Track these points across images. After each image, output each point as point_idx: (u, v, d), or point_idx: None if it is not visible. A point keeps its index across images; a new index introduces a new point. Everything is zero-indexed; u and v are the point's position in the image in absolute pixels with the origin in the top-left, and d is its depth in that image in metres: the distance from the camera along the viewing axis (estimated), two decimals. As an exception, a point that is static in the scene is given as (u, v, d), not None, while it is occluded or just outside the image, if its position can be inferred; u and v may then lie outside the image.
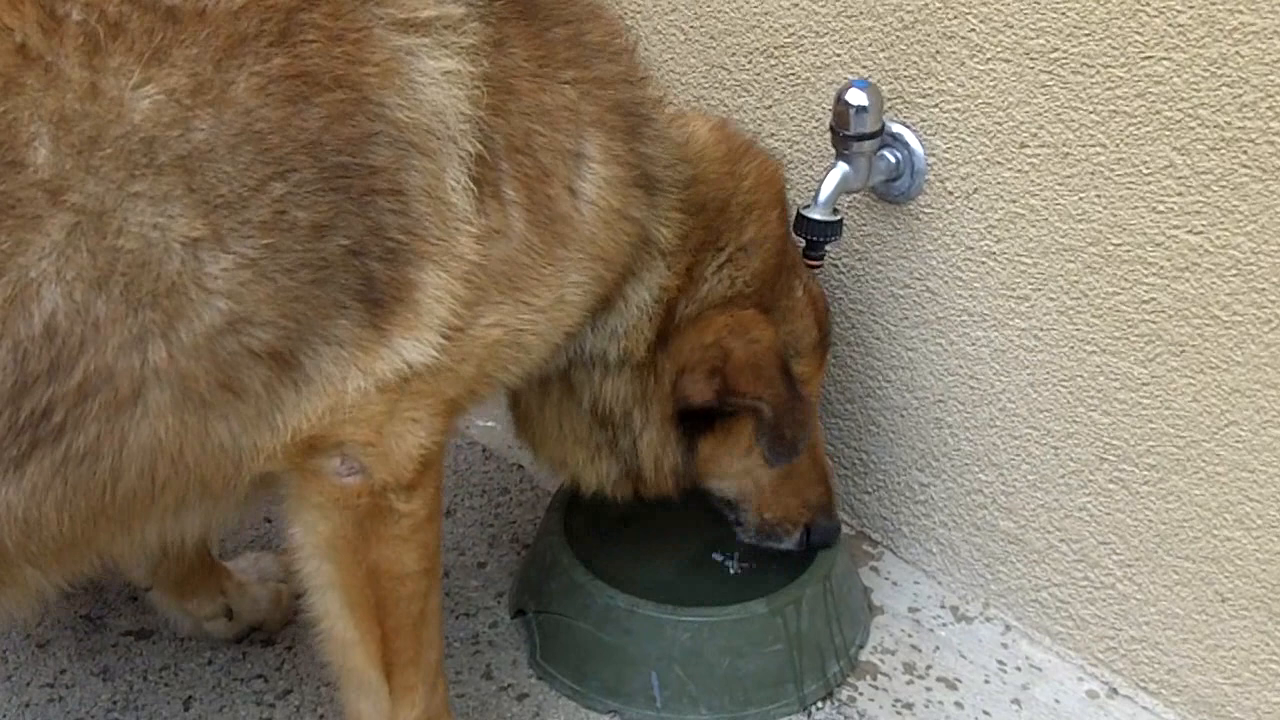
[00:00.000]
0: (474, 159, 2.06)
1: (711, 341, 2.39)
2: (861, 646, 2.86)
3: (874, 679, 2.80)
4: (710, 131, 2.45)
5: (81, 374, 1.87)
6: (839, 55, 2.75)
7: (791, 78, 2.85)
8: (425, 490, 2.17)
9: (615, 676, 2.69)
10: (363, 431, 2.06)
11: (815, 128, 2.83)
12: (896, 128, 2.69)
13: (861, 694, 2.77)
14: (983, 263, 2.68)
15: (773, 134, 2.90)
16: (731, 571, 2.90)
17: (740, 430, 2.53)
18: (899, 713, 2.73)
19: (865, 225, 2.83)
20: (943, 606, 2.97)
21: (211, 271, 1.89)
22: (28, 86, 1.80)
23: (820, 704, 2.74)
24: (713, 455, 2.56)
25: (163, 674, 2.77)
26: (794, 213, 2.63)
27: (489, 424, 3.41)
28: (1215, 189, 2.35)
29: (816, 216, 2.63)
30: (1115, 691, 2.78)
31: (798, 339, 2.52)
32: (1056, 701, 2.76)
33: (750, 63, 2.91)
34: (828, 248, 2.69)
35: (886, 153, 2.70)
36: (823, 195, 2.64)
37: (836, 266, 2.89)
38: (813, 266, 2.66)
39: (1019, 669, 2.83)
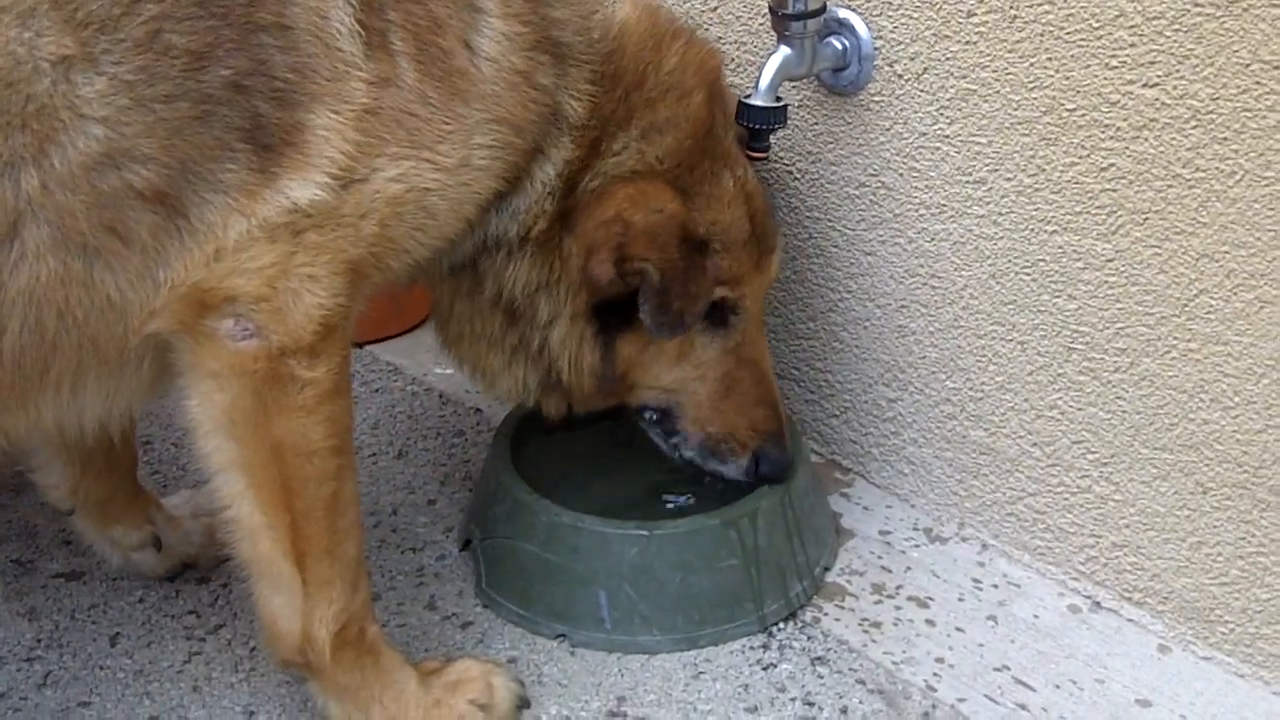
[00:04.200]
0: (359, 1, 1.97)
1: (613, 215, 2.26)
2: (828, 568, 2.70)
3: (841, 600, 2.64)
4: (637, 9, 2.34)
5: None
6: (783, -52, 2.65)
7: (734, -27, 2.75)
8: (329, 358, 2.05)
9: (562, 598, 2.55)
10: (254, 285, 1.95)
11: (761, 25, 2.72)
12: (842, 13, 2.57)
13: (827, 614, 2.60)
14: (937, 148, 2.55)
15: (720, 36, 2.78)
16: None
17: None
18: (866, 631, 2.56)
19: (817, 124, 2.70)
20: (915, 528, 2.81)
21: (85, 94, 1.83)
22: None
23: (782, 624, 2.58)
24: (638, 360, 2.42)
25: (91, 612, 2.64)
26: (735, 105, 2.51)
27: (447, 370, 3.28)
28: (1168, 34, 2.21)
29: (758, 103, 2.50)
30: (1098, 605, 2.60)
31: (724, 230, 2.37)
32: (1035, 617, 2.59)
33: (692, -38, 2.82)
34: (773, 137, 2.56)
35: (833, 40, 2.58)
36: (764, 81, 2.51)
37: (791, 172, 2.77)
38: (758, 159, 2.53)
39: (995, 586, 2.66)
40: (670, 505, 2.74)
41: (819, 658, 2.51)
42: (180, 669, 2.51)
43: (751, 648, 2.53)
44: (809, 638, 2.56)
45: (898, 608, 2.62)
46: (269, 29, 1.91)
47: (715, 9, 2.79)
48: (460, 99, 2.05)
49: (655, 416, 2.55)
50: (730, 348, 2.47)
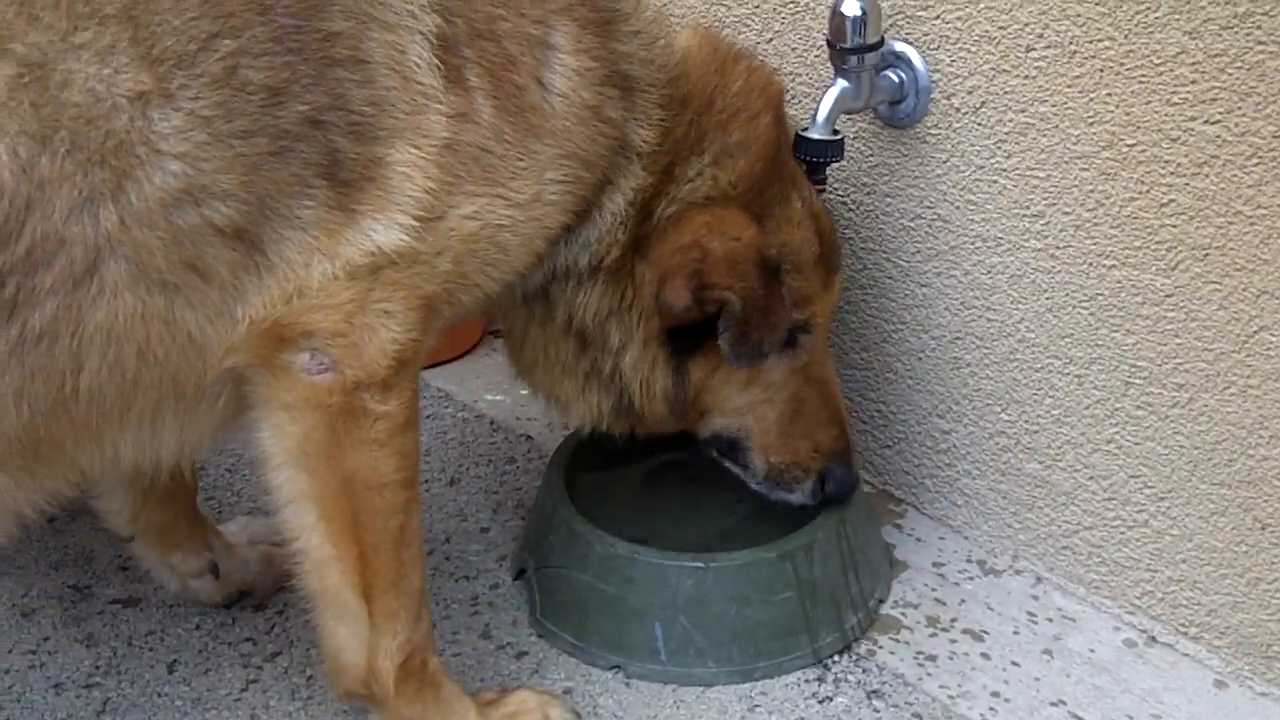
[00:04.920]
0: (436, 37, 1.99)
1: (689, 242, 2.27)
2: (882, 601, 2.70)
3: (895, 632, 2.64)
4: (697, 36, 2.37)
5: (30, 239, 1.82)
6: (839, -21, 2.66)
7: (790, 6, 2.75)
8: (401, 392, 2.07)
9: (617, 629, 2.55)
10: (331, 320, 1.97)
11: (817, 57, 2.73)
12: (899, 46, 2.58)
13: (881, 647, 2.60)
14: (994, 182, 2.55)
15: (777, 68, 2.77)
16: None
17: None
18: (921, 664, 2.56)
19: (872, 156, 2.71)
20: (970, 560, 2.81)
21: (161, 129, 1.84)
22: None
23: (837, 657, 2.58)
24: (707, 383, 2.44)
25: (148, 639, 2.66)
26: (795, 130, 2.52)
27: (498, 397, 3.30)
28: (1230, 72, 2.21)
29: (815, 136, 2.52)
30: (1154, 639, 2.60)
31: (795, 251, 2.39)
32: (1091, 651, 2.58)
33: (749, -6, 2.83)
34: (829, 169, 2.58)
35: (890, 73, 2.59)
36: (821, 114, 2.53)
37: (845, 204, 2.78)
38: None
39: (1050, 620, 2.66)
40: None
41: (874, 691, 2.51)
42: (238, 697, 2.52)
43: (807, 680, 2.54)
44: (864, 670, 2.56)
45: (952, 640, 2.62)
46: (345, 63, 1.92)
47: (771, 40, 2.80)
48: (533, 135, 2.07)
49: (724, 448, 2.56)
50: (799, 367, 2.48)
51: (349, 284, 1.96)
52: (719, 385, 2.45)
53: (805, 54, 2.76)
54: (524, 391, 3.14)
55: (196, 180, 1.86)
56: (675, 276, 2.28)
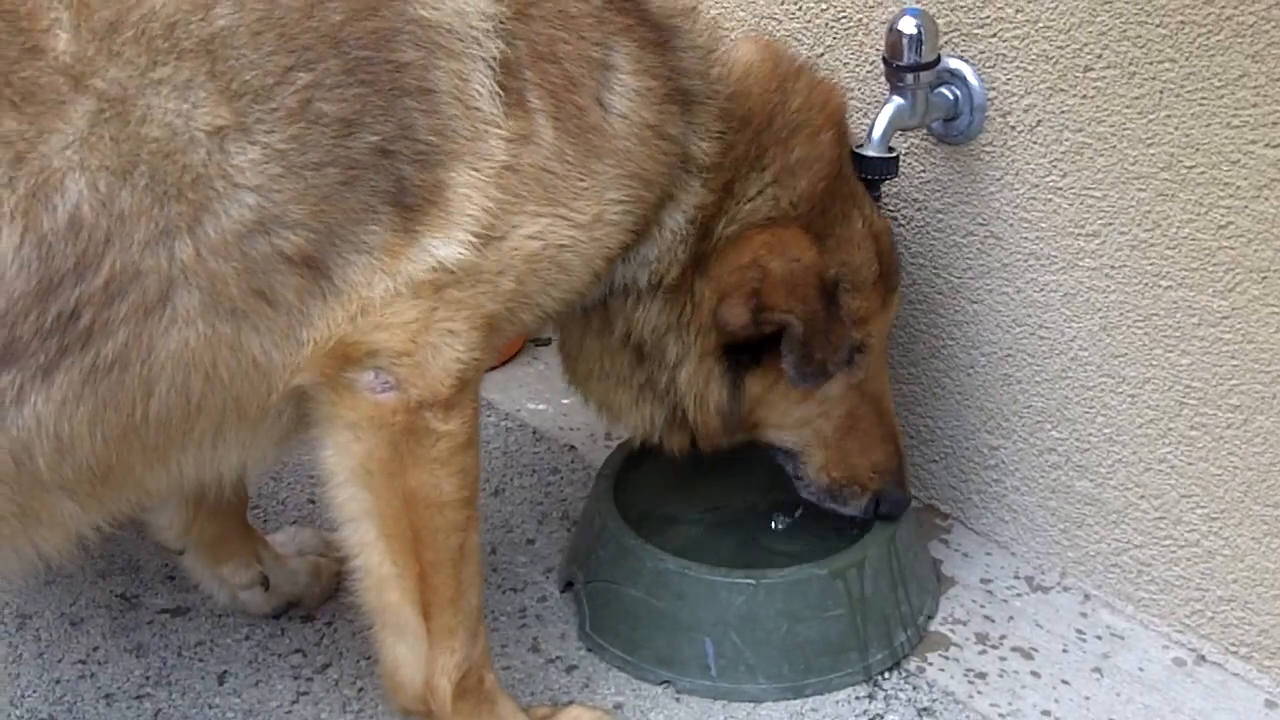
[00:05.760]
0: (498, 63, 2.00)
1: (749, 261, 2.28)
2: (930, 617, 2.70)
3: (945, 649, 2.64)
4: (757, 48, 2.37)
5: (108, 272, 1.84)
6: (891, -6, 2.66)
7: (843, 21, 2.75)
8: (463, 411, 2.08)
9: (667, 644, 2.55)
10: (396, 339, 1.98)
11: (870, 71, 2.73)
12: (954, 63, 2.57)
13: (931, 664, 2.60)
14: (1049, 200, 2.55)
15: (827, 83, 2.79)
16: (776, 527, 2.76)
17: None
18: (971, 682, 2.56)
19: (925, 172, 2.71)
20: (1017, 577, 2.81)
21: (238, 163, 1.86)
22: None
23: (887, 674, 2.58)
24: (764, 398, 2.44)
25: (198, 650, 2.67)
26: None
27: (540, 406, 3.30)
28: (1294, 95, 2.21)
29: (871, 154, 2.51)
30: (1203, 658, 2.60)
31: (854, 271, 2.39)
32: (1140, 670, 2.58)
33: (799, 9, 2.82)
34: (884, 187, 2.58)
35: (945, 90, 2.58)
36: (876, 131, 2.53)
37: (896, 219, 2.77)
38: (870, 208, 2.54)
39: (1099, 638, 2.66)
40: (778, 526, 2.78)
41: (925, 709, 2.51)
42: (289, 709, 2.53)
43: (857, 697, 2.54)
44: (914, 688, 2.56)
45: (1002, 658, 2.62)
46: (413, 93, 1.94)
47: (823, 56, 2.79)
48: (595, 155, 2.08)
49: (781, 459, 2.57)
50: (854, 384, 2.49)
51: (413, 302, 1.97)
52: (774, 400, 2.45)
53: (858, 69, 2.75)
54: (569, 400, 3.16)
55: (270, 211, 1.88)
56: (734, 295, 2.28)
